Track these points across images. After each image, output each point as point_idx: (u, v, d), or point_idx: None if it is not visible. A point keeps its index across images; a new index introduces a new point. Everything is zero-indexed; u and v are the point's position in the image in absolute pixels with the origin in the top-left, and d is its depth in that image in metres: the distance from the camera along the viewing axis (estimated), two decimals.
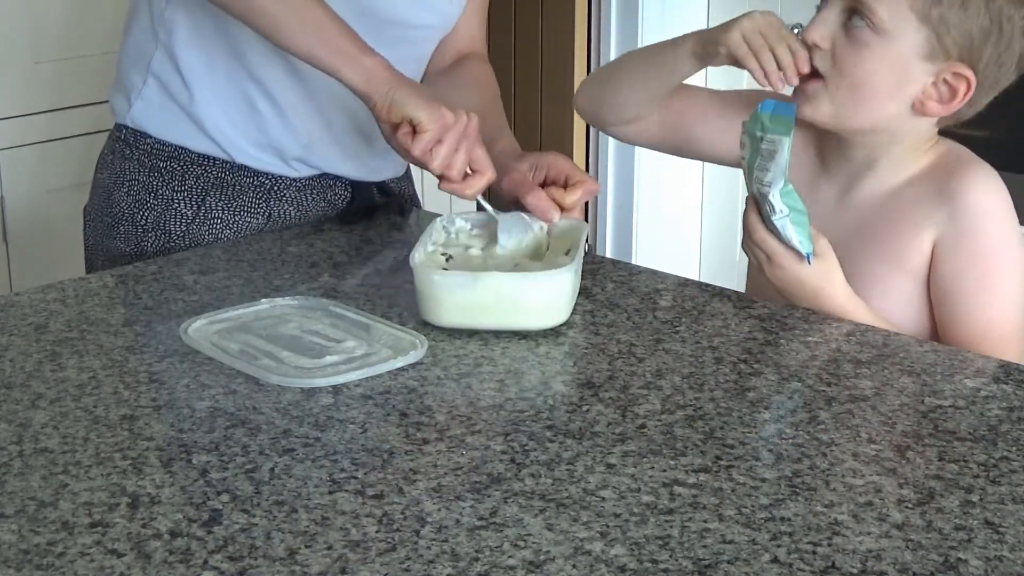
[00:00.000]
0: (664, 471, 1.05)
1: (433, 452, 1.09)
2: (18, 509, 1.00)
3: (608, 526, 0.97)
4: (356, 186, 1.73)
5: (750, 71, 1.41)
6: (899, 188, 1.46)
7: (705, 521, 0.98)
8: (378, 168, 1.73)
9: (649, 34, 3.37)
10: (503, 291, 1.32)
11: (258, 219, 1.67)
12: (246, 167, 1.66)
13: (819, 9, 1.42)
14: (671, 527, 0.97)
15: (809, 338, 1.34)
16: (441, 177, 1.47)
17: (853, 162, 1.48)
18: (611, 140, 3.51)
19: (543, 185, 1.52)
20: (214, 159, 1.66)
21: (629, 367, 1.26)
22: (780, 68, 1.40)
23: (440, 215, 1.54)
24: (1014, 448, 1.10)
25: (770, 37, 1.40)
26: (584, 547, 0.94)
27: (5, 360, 1.28)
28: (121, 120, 1.69)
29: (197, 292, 1.46)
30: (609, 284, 1.49)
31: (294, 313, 1.37)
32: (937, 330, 1.43)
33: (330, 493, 1.02)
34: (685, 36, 1.50)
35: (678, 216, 3.66)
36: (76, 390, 1.21)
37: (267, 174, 1.67)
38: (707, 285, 1.50)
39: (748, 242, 1.39)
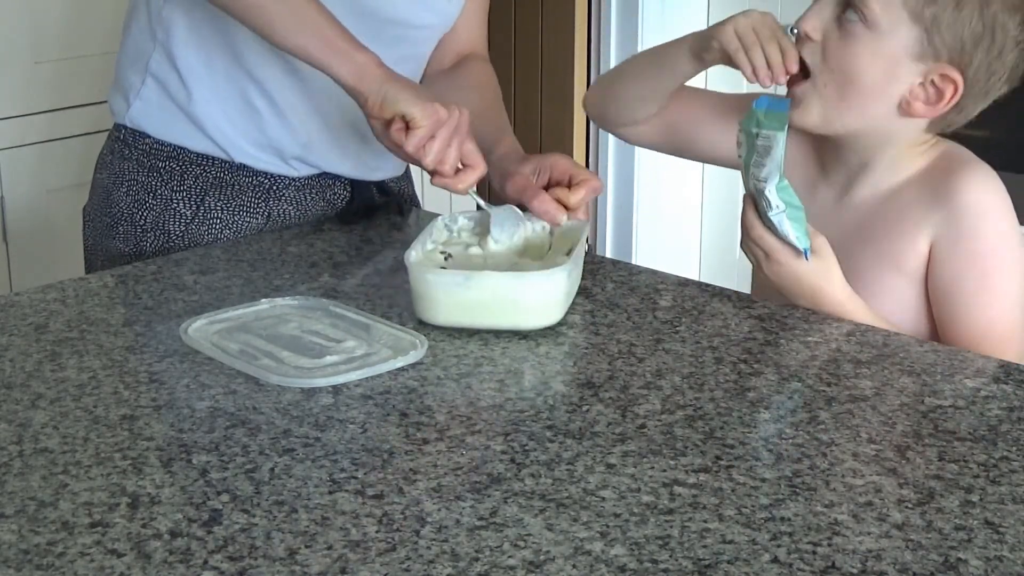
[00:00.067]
0: (664, 471, 1.05)
1: (433, 452, 1.09)
2: (18, 509, 1.00)
3: (608, 526, 0.97)
4: (356, 186, 1.73)
5: (740, 66, 1.42)
6: (896, 189, 1.46)
7: (705, 521, 0.98)
8: (377, 167, 1.73)
9: (649, 34, 3.37)
10: (497, 290, 1.32)
11: (257, 219, 1.67)
12: (245, 167, 1.66)
13: (815, 0, 1.43)
14: (671, 527, 0.97)
15: (809, 338, 1.34)
16: (434, 172, 1.47)
17: (849, 165, 1.48)
18: (611, 140, 3.51)
19: (547, 187, 1.52)
20: (213, 159, 1.66)
21: (629, 367, 1.26)
22: (769, 66, 1.40)
23: (440, 215, 1.54)
24: (1014, 448, 1.10)
25: (762, 35, 1.41)
26: (584, 547, 0.94)
27: (5, 360, 1.28)
28: (120, 120, 1.70)
29: (197, 292, 1.46)
30: (609, 284, 1.49)
31: (294, 313, 1.37)
32: (936, 331, 1.43)
33: (330, 493, 1.02)
34: (686, 36, 1.51)
35: (678, 216, 3.66)
36: (76, 390, 1.21)
37: (266, 173, 1.67)
38: (707, 285, 1.50)
39: (746, 240, 1.40)
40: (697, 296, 1.46)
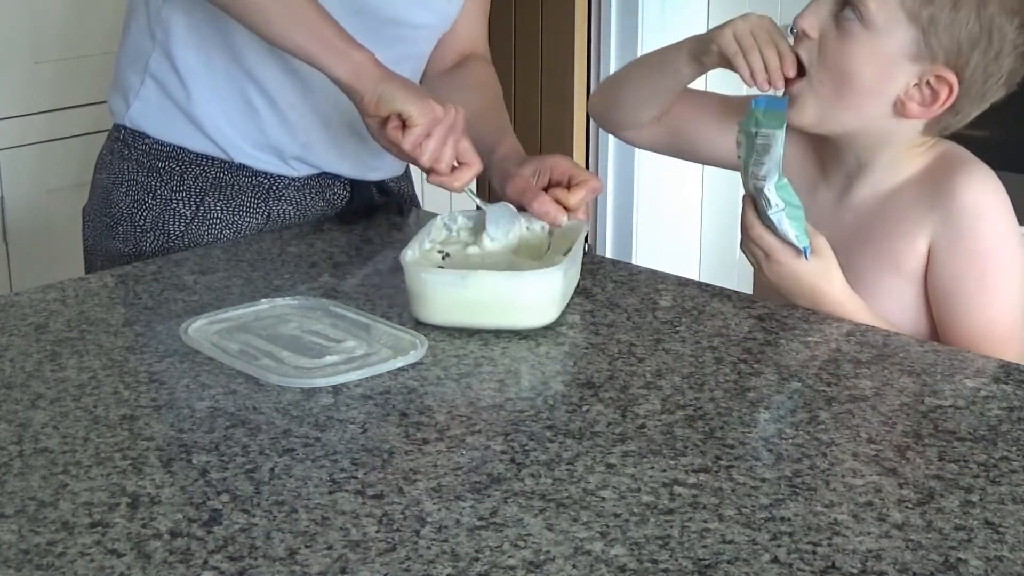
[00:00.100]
0: (664, 471, 1.05)
1: (433, 452, 1.09)
2: (18, 509, 1.00)
3: (608, 526, 0.97)
4: (355, 186, 1.73)
5: (738, 70, 1.43)
6: (895, 190, 1.46)
7: (705, 521, 0.98)
8: (377, 167, 1.73)
9: (649, 34, 3.37)
10: (492, 290, 1.33)
11: (257, 219, 1.67)
12: (245, 166, 1.66)
13: None
14: (671, 527, 0.97)
15: (809, 338, 1.34)
16: (429, 171, 1.47)
17: (848, 166, 1.48)
18: (611, 140, 3.51)
19: (547, 187, 1.52)
20: (213, 159, 1.66)
21: (629, 367, 1.26)
22: (766, 70, 1.41)
23: (439, 214, 1.54)
24: (1014, 448, 1.10)
25: (760, 39, 1.42)
26: (584, 547, 0.94)
27: (5, 360, 1.28)
28: (119, 120, 1.69)
29: (197, 292, 1.46)
30: (609, 284, 1.49)
31: (294, 313, 1.37)
32: (935, 331, 1.43)
33: (330, 493, 1.02)
34: (685, 40, 1.52)
35: (678, 216, 3.66)
36: (76, 390, 1.21)
37: (266, 173, 1.67)
38: (707, 285, 1.50)
39: (746, 240, 1.40)
40: (697, 296, 1.46)
